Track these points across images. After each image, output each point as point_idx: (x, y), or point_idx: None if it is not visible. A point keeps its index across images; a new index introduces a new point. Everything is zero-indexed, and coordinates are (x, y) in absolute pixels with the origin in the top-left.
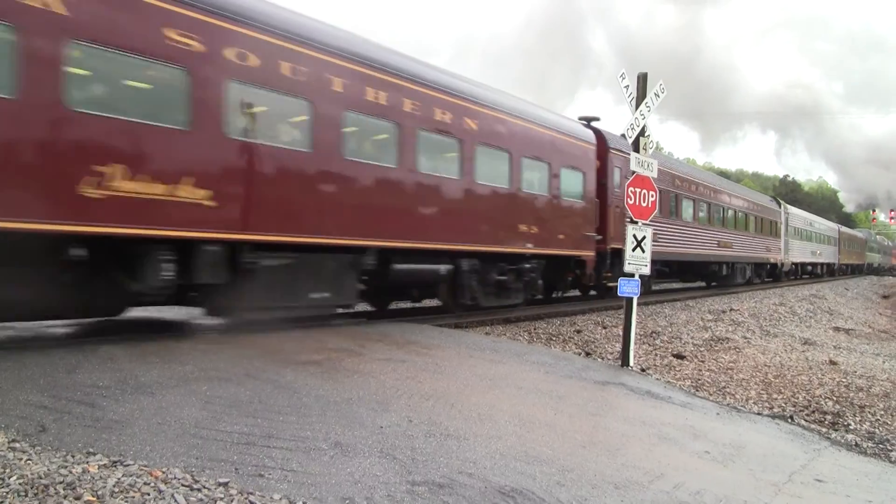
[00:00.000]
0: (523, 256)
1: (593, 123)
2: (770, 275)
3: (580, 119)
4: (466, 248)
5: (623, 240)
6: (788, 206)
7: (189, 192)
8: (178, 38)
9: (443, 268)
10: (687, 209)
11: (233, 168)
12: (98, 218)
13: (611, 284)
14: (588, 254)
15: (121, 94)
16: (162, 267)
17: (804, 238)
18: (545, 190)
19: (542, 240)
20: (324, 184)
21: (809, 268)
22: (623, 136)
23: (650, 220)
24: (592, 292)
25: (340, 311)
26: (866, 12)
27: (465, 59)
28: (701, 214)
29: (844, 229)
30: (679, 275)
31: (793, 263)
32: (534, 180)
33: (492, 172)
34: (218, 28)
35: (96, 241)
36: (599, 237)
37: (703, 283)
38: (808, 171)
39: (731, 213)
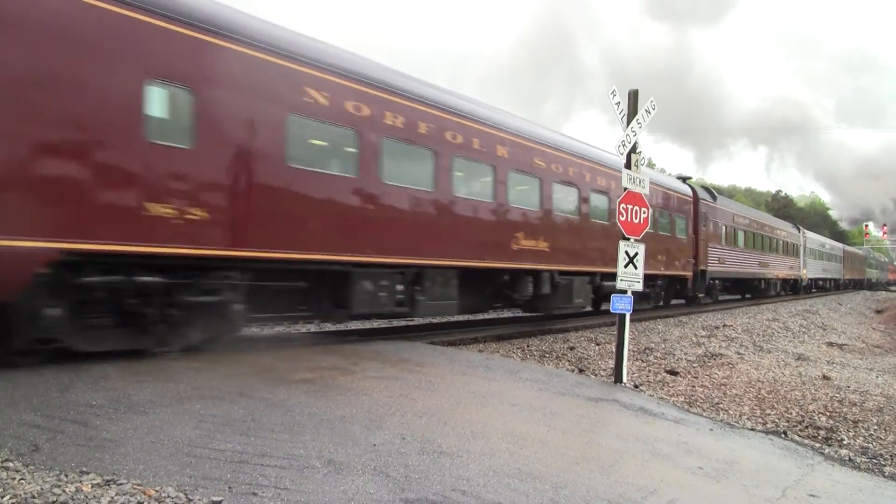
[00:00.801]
0: (657, 276)
1: (687, 181)
2: (792, 289)
3: (678, 177)
4: None
5: (707, 262)
6: (806, 231)
7: (542, 245)
8: (538, 161)
9: None
10: (740, 238)
11: (557, 229)
12: (515, 260)
13: (700, 295)
14: (689, 273)
15: (520, 191)
16: (528, 284)
17: (817, 257)
18: (669, 231)
19: (668, 265)
20: (585, 235)
21: (821, 282)
22: (705, 188)
23: (724, 246)
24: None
25: (332, 329)
26: (858, 33)
27: (461, 79)
28: (749, 242)
29: (848, 248)
30: (731, 289)
31: (809, 279)
32: (664, 224)
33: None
34: (551, 154)
35: (509, 272)
36: (694, 261)
37: (739, 296)
38: (801, 186)
39: (767, 239)
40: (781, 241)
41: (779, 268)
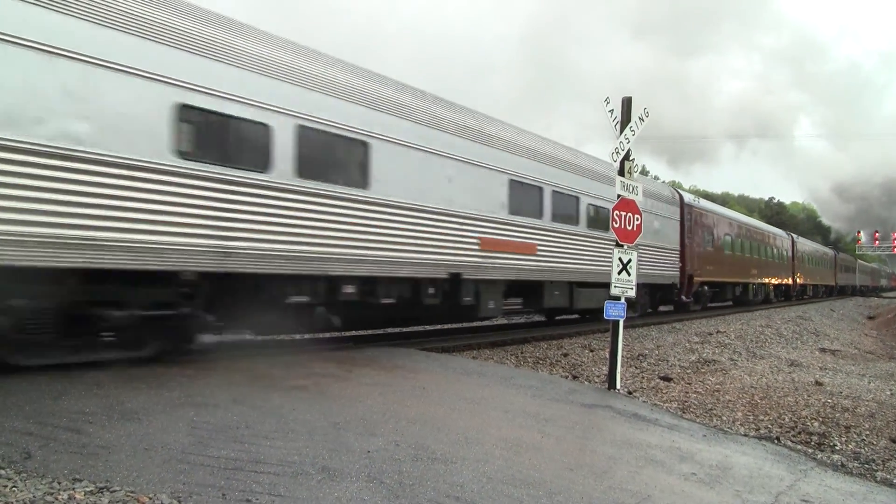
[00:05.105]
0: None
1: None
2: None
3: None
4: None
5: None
6: (858, 261)
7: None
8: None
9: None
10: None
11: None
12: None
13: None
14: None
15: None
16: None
17: (861, 273)
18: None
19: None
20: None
21: (859, 288)
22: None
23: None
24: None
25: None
26: (853, 57)
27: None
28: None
29: (873, 265)
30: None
31: (860, 285)
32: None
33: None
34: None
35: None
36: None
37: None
38: (792, 195)
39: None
40: (846, 266)
41: (845, 280)
